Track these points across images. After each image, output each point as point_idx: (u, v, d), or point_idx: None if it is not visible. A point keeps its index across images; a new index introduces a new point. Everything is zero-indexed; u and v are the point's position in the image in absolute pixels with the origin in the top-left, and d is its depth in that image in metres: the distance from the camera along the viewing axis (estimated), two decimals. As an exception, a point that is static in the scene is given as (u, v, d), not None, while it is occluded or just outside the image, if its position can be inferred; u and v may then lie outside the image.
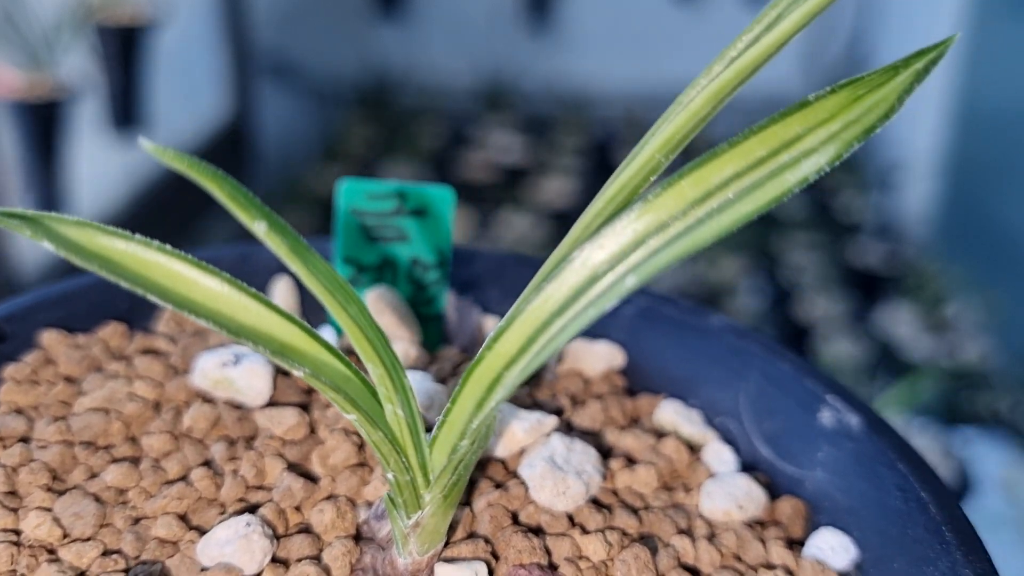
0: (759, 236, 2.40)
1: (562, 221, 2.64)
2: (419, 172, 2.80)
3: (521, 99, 3.14)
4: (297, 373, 0.29)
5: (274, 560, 0.36)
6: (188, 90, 2.46)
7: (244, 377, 0.41)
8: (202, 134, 2.45)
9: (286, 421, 0.40)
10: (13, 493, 0.38)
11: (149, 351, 0.45)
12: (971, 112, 2.36)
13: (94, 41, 1.86)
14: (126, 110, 1.92)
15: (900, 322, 2.15)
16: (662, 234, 0.29)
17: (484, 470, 0.40)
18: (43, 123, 1.62)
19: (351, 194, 0.46)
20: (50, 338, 0.45)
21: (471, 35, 3.18)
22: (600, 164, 2.98)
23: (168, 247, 0.29)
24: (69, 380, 0.43)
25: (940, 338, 2.08)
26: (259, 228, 0.26)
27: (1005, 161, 2.19)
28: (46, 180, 1.65)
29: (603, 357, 0.47)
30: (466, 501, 0.39)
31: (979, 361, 2.00)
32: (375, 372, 0.30)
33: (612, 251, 0.29)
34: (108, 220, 2.00)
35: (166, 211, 2.27)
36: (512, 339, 0.30)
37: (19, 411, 0.41)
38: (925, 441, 1.55)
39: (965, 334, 2.09)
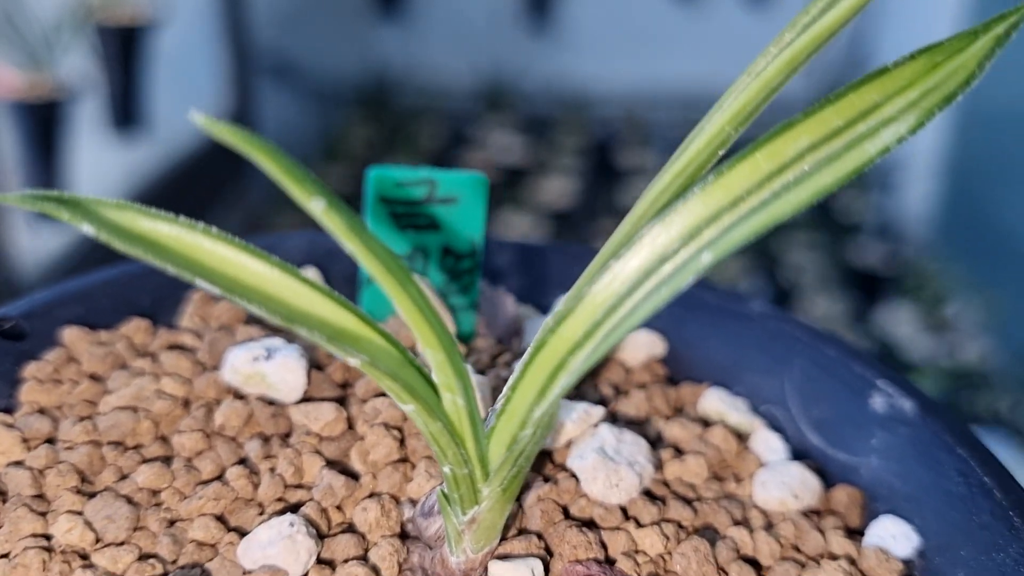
0: (759, 236, 2.41)
1: (562, 221, 2.63)
2: None
3: (521, 99, 3.14)
4: (353, 361, 0.27)
5: (319, 561, 0.34)
6: (188, 90, 2.44)
7: (277, 372, 0.40)
8: (202, 134, 2.43)
9: (323, 416, 0.39)
10: (41, 496, 0.36)
11: (175, 347, 0.43)
12: (971, 112, 2.36)
13: (94, 41, 1.85)
14: (126, 110, 1.91)
15: (900, 322, 2.14)
16: (736, 209, 0.28)
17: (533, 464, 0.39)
18: (43, 123, 1.61)
19: (380, 182, 0.45)
20: (72, 335, 0.43)
21: (471, 35, 3.17)
22: (600, 164, 2.97)
23: (214, 229, 0.27)
24: (93, 378, 0.41)
25: (940, 338, 2.07)
26: (316, 206, 0.25)
27: (1005, 161, 2.19)
28: (46, 180, 1.64)
29: (643, 346, 0.46)
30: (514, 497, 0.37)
31: (979, 361, 1.99)
32: (435, 358, 0.28)
33: (683, 228, 0.28)
34: None
35: (165, 211, 2.26)
36: (577, 322, 0.29)
37: (42, 411, 0.40)
38: None
39: (965, 334, 2.08)
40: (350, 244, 0.26)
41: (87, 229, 0.26)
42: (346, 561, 0.34)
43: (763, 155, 0.28)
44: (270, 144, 0.25)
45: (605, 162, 2.97)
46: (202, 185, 2.43)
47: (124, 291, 0.46)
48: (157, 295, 0.46)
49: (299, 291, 0.28)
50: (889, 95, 0.28)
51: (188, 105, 2.24)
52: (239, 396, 0.40)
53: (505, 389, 0.30)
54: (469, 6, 3.20)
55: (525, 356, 0.30)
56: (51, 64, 1.67)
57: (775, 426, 0.43)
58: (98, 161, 1.93)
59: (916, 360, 2.00)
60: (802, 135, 0.28)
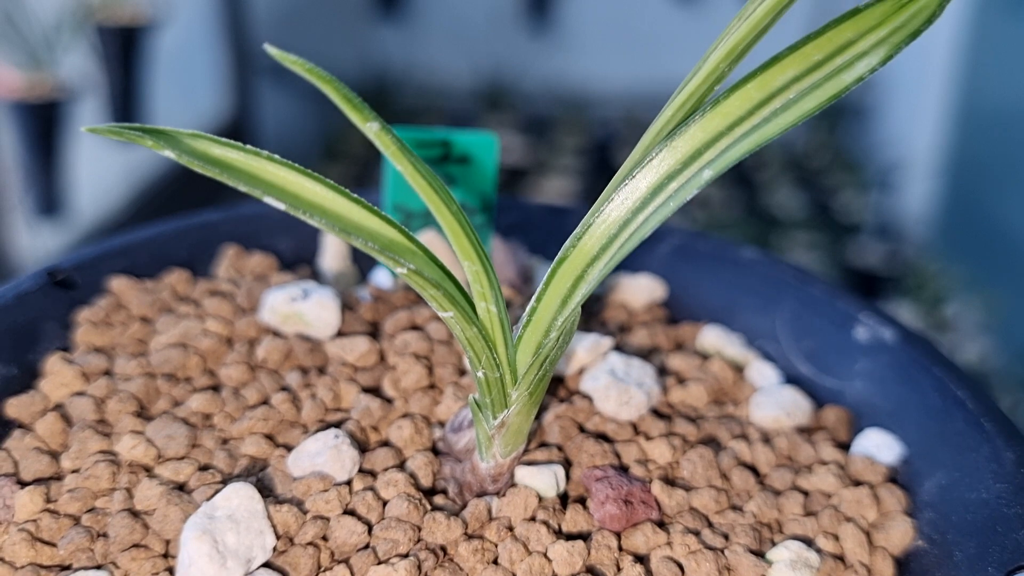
0: (759, 235, 2.42)
1: None
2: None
3: (521, 99, 3.15)
4: (401, 270, 0.31)
5: (361, 471, 0.38)
6: (188, 90, 2.45)
7: (313, 310, 0.43)
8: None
9: (357, 348, 0.43)
10: (103, 421, 0.40)
11: (215, 293, 0.47)
12: (971, 112, 2.37)
13: (94, 41, 1.86)
14: (126, 110, 1.92)
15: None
16: (732, 133, 0.32)
17: (548, 388, 0.42)
18: (43, 123, 1.62)
19: (399, 142, 0.48)
20: (120, 284, 0.46)
21: (471, 35, 3.20)
22: (600, 164, 2.98)
23: (276, 156, 0.31)
24: (143, 320, 0.45)
25: (940, 338, 2.09)
26: (371, 127, 0.29)
27: (1005, 161, 2.20)
28: (46, 179, 1.65)
29: (645, 289, 0.50)
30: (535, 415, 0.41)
31: (979, 361, 2.01)
32: (471, 269, 0.32)
33: (687, 150, 0.32)
34: (108, 219, 1.99)
35: (166, 210, 2.27)
36: (595, 237, 0.33)
37: (98, 350, 0.43)
38: None
39: (965, 334, 2.10)
40: (398, 163, 0.30)
41: (169, 154, 0.29)
42: (385, 470, 0.38)
43: (754, 86, 0.32)
44: (332, 77, 0.29)
45: (605, 161, 2.98)
46: (202, 185, 2.45)
47: (163, 247, 0.49)
48: (193, 250, 0.50)
49: (352, 208, 0.31)
50: (862, 32, 0.32)
51: (188, 105, 2.24)
52: (277, 335, 0.44)
53: (532, 301, 0.34)
54: (469, 6, 3.23)
55: (548, 271, 0.34)
56: (51, 64, 1.69)
57: (768, 358, 0.47)
58: (98, 161, 1.94)
59: None
60: (788, 68, 0.32)
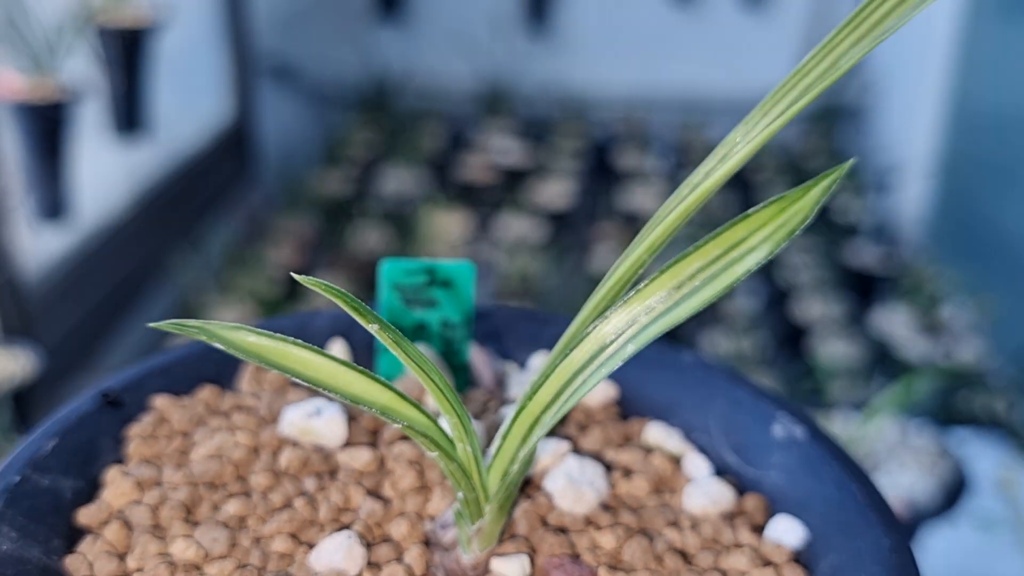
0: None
1: (561, 223, 2.69)
2: (419, 174, 2.86)
3: (520, 102, 3.19)
4: (396, 425, 0.40)
5: (369, 564, 0.47)
6: (190, 93, 2.48)
7: (326, 425, 0.53)
8: (204, 137, 2.51)
9: (362, 457, 0.52)
10: (158, 526, 0.49)
11: (241, 407, 0.56)
12: (966, 114, 2.39)
13: (96, 44, 1.90)
14: (128, 113, 1.94)
15: (896, 323, 2.21)
16: (649, 314, 0.41)
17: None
18: (46, 126, 1.65)
19: (392, 272, 0.58)
20: (161, 401, 0.56)
21: (471, 39, 3.26)
22: (599, 167, 3.00)
23: (299, 341, 0.41)
24: (184, 434, 0.54)
25: (936, 339, 2.14)
26: (373, 328, 0.38)
27: (1001, 163, 2.24)
28: (49, 183, 1.68)
29: (600, 391, 0.59)
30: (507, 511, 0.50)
31: (975, 362, 2.06)
32: (450, 421, 0.42)
33: (616, 326, 0.42)
34: (111, 222, 2.04)
35: (168, 213, 2.32)
36: (547, 391, 0.42)
37: (148, 461, 0.53)
38: (922, 442, 1.61)
39: (961, 335, 2.15)
40: (395, 350, 0.39)
41: (218, 345, 0.39)
42: (388, 562, 0.47)
43: (668, 276, 0.41)
44: (342, 291, 0.38)
45: (603, 164, 3.01)
46: (204, 187, 2.50)
47: (195, 365, 0.59)
48: (219, 366, 0.59)
49: (355, 379, 0.41)
50: (752, 231, 0.42)
51: (190, 108, 2.31)
52: (295, 444, 0.53)
53: (498, 438, 0.44)
54: (469, 10, 3.29)
55: (510, 414, 0.43)
56: (53, 67, 1.71)
57: (702, 449, 0.57)
58: (100, 164, 1.97)
59: (912, 361, 2.06)
60: (694, 261, 0.41)
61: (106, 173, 2.03)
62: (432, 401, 0.52)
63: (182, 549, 0.47)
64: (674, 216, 0.42)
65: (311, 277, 0.38)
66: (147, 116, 2.03)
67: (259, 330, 0.41)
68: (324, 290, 0.38)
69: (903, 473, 1.55)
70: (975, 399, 1.88)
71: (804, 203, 0.42)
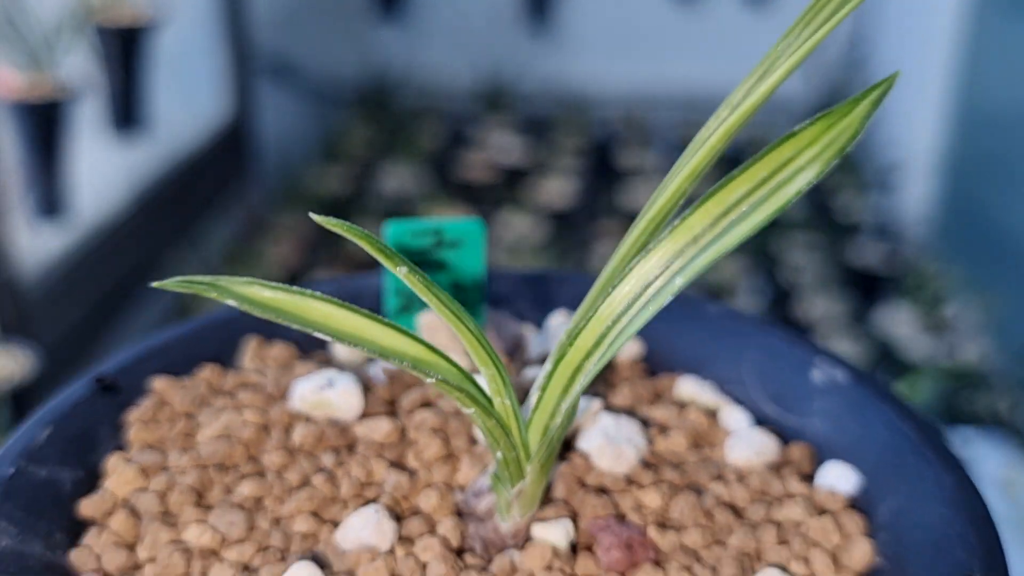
0: (759, 237, 2.42)
1: (561, 221, 2.66)
2: (419, 172, 2.82)
3: (521, 100, 3.16)
4: (429, 380, 0.37)
5: (400, 539, 0.44)
6: (188, 91, 2.47)
7: (340, 397, 0.49)
8: (202, 135, 2.48)
9: (382, 428, 0.49)
10: (167, 512, 0.46)
11: (246, 385, 0.53)
12: (970, 113, 2.37)
13: (94, 42, 1.88)
14: (127, 111, 1.92)
15: (900, 322, 2.18)
16: (696, 244, 0.38)
17: (550, 449, 0.49)
18: (44, 124, 1.63)
19: (397, 234, 0.54)
20: (160, 384, 0.52)
21: (471, 36, 3.23)
22: (600, 165, 2.98)
23: (319, 294, 0.37)
24: (187, 416, 0.51)
25: (939, 338, 2.11)
26: (401, 271, 0.35)
27: (1004, 161, 2.22)
28: (47, 180, 1.67)
29: (627, 348, 0.56)
30: (541, 475, 0.47)
31: (978, 361, 2.03)
32: (487, 373, 0.38)
33: (660, 259, 0.38)
34: (110, 220, 2.01)
35: (167, 211, 2.29)
36: (588, 336, 0.39)
37: (151, 447, 0.49)
38: None
39: (964, 334, 2.12)
40: (424, 296, 0.36)
41: (231, 302, 0.35)
42: (420, 536, 0.44)
43: (713, 203, 0.38)
44: (367, 232, 0.35)
45: (605, 163, 2.99)
46: (203, 185, 2.47)
47: (193, 344, 0.55)
48: (219, 345, 0.56)
49: (384, 332, 0.38)
50: (799, 150, 0.39)
51: (188, 106, 2.27)
52: (308, 419, 0.50)
53: (535, 390, 0.41)
54: (469, 7, 3.26)
55: (548, 364, 0.40)
56: (52, 65, 1.70)
57: (738, 401, 0.54)
58: (99, 162, 1.95)
59: (916, 360, 2.04)
60: (740, 186, 0.38)
61: (104, 171, 2.01)
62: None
63: (197, 535, 0.44)
64: (716, 138, 0.39)
65: (334, 219, 0.35)
66: (145, 114, 2.01)
67: (275, 284, 0.37)
68: (348, 231, 0.34)
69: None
70: (978, 399, 1.86)
71: (853, 118, 0.39)
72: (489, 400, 0.39)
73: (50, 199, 1.72)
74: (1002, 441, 1.69)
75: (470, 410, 0.38)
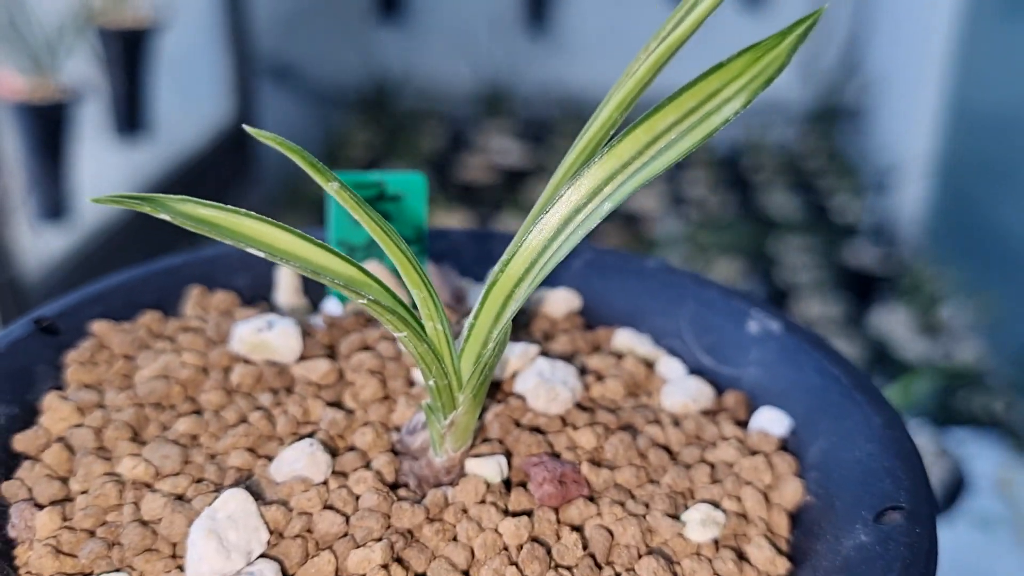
0: (755, 238, 2.42)
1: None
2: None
3: (520, 103, 3.17)
4: (361, 301, 0.37)
5: (334, 473, 0.44)
6: (190, 93, 2.45)
7: (278, 338, 0.50)
8: (204, 137, 2.47)
9: (319, 369, 0.49)
10: (102, 448, 0.45)
11: (187, 329, 0.53)
12: (965, 114, 2.38)
13: (97, 45, 1.87)
14: (129, 113, 1.91)
15: (895, 323, 2.18)
16: (625, 170, 0.39)
17: (487, 391, 0.49)
18: (46, 126, 1.63)
19: (341, 185, 0.55)
20: (100, 327, 0.52)
21: (470, 39, 3.23)
22: None
23: (252, 212, 0.37)
24: (126, 358, 0.51)
25: (935, 339, 2.12)
26: (332, 187, 0.35)
27: (999, 163, 2.23)
28: (50, 183, 1.66)
29: (563, 301, 0.57)
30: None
31: (974, 362, 2.03)
32: (419, 296, 0.39)
33: (589, 187, 0.39)
34: (112, 222, 2.00)
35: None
36: (519, 262, 0.40)
37: (88, 386, 0.49)
38: (920, 441, 1.57)
39: (960, 335, 2.13)
40: (354, 212, 0.36)
41: (165, 217, 0.36)
42: (355, 470, 0.44)
43: (642, 130, 0.39)
44: (299, 147, 0.35)
45: None
46: (205, 188, 2.45)
47: (134, 291, 0.55)
48: (161, 293, 0.56)
49: (317, 252, 0.38)
50: (727, 82, 0.39)
51: (190, 108, 2.25)
52: (247, 361, 0.50)
53: (469, 318, 0.41)
54: (469, 11, 3.26)
55: (483, 291, 0.41)
56: (54, 68, 1.69)
57: (674, 354, 0.55)
58: (101, 164, 1.94)
59: (912, 361, 2.04)
60: (669, 114, 0.39)
61: (107, 173, 2.00)
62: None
63: (130, 467, 0.44)
64: (644, 69, 0.40)
65: (267, 132, 0.35)
66: (147, 116, 2.01)
67: (210, 202, 0.37)
68: (278, 144, 0.35)
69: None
70: (974, 399, 1.85)
71: (780, 51, 0.40)
72: (421, 325, 0.40)
73: (53, 201, 1.71)
74: (997, 441, 1.70)
75: (402, 334, 0.39)
